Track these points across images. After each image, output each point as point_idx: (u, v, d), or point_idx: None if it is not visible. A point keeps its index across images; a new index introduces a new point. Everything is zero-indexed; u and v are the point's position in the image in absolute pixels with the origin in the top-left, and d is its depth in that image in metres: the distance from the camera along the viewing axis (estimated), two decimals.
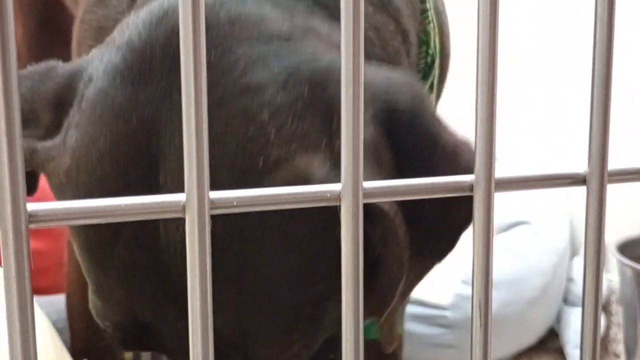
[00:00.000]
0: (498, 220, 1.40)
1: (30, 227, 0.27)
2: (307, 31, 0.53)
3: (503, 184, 0.32)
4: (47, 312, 0.96)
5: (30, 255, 0.26)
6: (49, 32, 1.08)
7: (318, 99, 0.49)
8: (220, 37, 0.51)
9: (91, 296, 0.55)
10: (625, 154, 0.86)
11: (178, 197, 0.28)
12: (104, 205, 0.28)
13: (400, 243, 0.49)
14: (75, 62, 0.57)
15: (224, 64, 0.50)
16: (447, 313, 1.29)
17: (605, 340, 1.39)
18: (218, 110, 0.48)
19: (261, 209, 0.30)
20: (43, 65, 0.57)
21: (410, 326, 1.27)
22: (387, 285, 0.51)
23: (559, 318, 1.42)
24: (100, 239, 0.52)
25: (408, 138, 0.50)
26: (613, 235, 1.28)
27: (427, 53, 0.70)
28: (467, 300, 1.26)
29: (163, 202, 0.28)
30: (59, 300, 1.05)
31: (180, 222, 0.28)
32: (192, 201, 0.28)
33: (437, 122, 0.52)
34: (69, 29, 0.83)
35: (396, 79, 0.52)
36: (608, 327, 1.41)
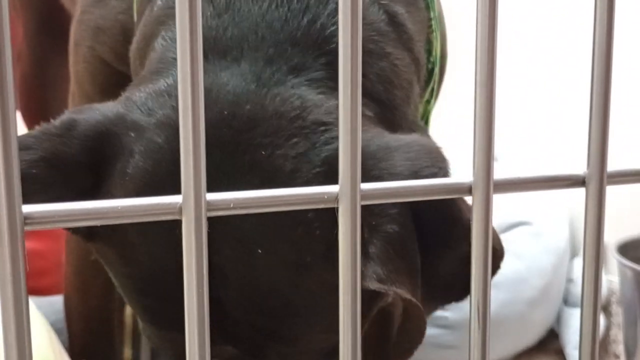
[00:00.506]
0: (497, 220, 1.40)
1: (25, 230, 0.27)
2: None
3: (502, 185, 0.32)
4: (47, 313, 0.96)
5: (25, 257, 0.26)
6: (49, 33, 1.08)
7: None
8: (269, 134, 0.51)
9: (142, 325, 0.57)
10: (624, 156, 0.86)
11: (175, 199, 0.28)
12: (100, 207, 0.27)
13: (423, 319, 0.51)
14: (99, 117, 0.54)
15: (274, 166, 0.51)
16: (447, 314, 1.28)
17: (605, 341, 1.39)
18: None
19: (258, 211, 0.29)
20: (58, 123, 0.53)
21: None
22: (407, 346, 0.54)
23: (558, 319, 1.41)
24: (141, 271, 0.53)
25: (432, 217, 0.51)
26: (613, 236, 1.28)
27: (428, 60, 0.71)
28: (467, 301, 1.26)
29: (160, 204, 0.28)
30: (59, 300, 1.05)
31: None
32: (189, 203, 0.28)
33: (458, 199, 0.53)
34: (68, 29, 0.83)
35: (420, 161, 0.52)
36: (608, 328, 1.41)
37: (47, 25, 1.08)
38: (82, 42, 0.77)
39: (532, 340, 1.38)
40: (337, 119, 0.51)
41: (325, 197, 0.30)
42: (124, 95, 0.57)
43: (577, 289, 1.40)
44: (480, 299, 0.33)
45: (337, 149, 0.50)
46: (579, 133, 1.00)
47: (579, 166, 0.34)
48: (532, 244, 1.37)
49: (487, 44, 0.30)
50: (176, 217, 0.28)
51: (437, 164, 0.51)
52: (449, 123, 1.04)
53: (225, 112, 0.51)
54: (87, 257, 0.74)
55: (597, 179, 0.33)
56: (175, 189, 0.49)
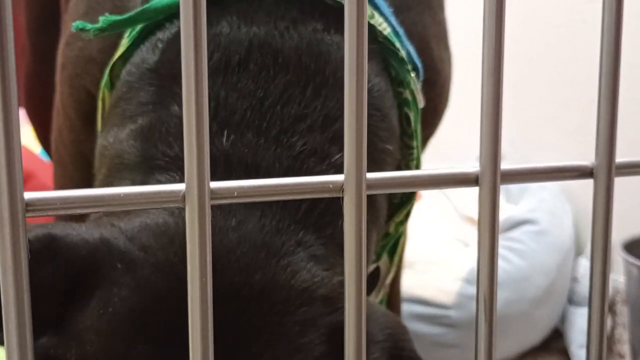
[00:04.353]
0: (502, 219, 1.39)
1: (27, 217, 0.26)
2: (342, 285, 0.56)
3: (509, 175, 0.32)
4: None
5: (27, 244, 0.26)
6: (52, 30, 1.08)
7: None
8: (279, 302, 0.52)
9: None
10: (633, 150, 0.85)
11: (178, 187, 0.28)
12: (102, 194, 0.27)
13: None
14: (85, 239, 0.50)
15: (284, 324, 0.52)
16: (450, 312, 1.28)
17: (610, 341, 1.38)
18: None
19: (262, 199, 0.29)
20: (33, 238, 0.48)
21: (413, 326, 1.27)
22: None
23: (563, 318, 1.41)
24: None
25: None
26: (618, 235, 1.28)
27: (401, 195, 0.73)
28: (471, 300, 1.25)
29: (163, 192, 0.28)
30: None
31: None
32: (192, 191, 0.27)
33: None
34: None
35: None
36: (613, 328, 1.40)
37: (50, 21, 1.08)
38: (69, 67, 0.75)
39: (536, 340, 1.37)
40: (340, 293, 0.54)
41: (331, 186, 0.30)
42: (104, 219, 0.54)
43: (581, 288, 1.40)
44: (486, 291, 0.32)
45: (340, 319, 0.52)
46: (588, 125, 0.99)
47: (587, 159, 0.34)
48: (537, 243, 1.37)
49: (495, 31, 0.30)
50: (179, 205, 0.27)
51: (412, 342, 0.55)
52: (456, 113, 1.04)
53: (236, 279, 0.52)
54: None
55: (606, 170, 0.33)
56: (169, 342, 0.48)
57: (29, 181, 1.31)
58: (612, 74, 0.33)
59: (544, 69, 1.60)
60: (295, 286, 0.53)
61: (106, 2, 0.71)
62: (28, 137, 1.19)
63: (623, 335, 1.38)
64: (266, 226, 0.55)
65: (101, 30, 0.61)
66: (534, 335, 1.37)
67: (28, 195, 0.26)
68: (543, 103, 1.61)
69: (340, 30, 0.61)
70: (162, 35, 0.63)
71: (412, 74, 0.67)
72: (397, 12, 0.68)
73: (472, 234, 1.43)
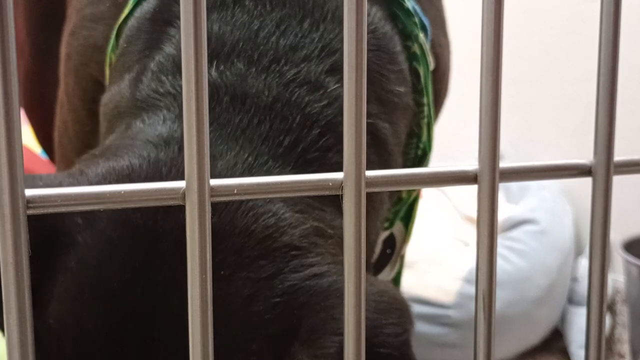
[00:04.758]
0: (502, 219, 1.40)
1: (28, 213, 0.26)
2: (317, 233, 0.51)
3: (507, 174, 0.32)
4: None
5: (28, 241, 0.26)
6: (52, 28, 1.08)
7: (306, 328, 0.47)
8: (233, 252, 0.48)
9: None
10: (632, 150, 0.85)
11: (178, 184, 0.28)
12: (103, 191, 0.27)
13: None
14: (58, 185, 0.50)
15: (231, 288, 0.47)
16: (450, 312, 1.28)
17: (610, 341, 1.39)
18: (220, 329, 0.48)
19: (262, 197, 0.29)
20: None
21: None
22: None
23: (563, 318, 1.41)
24: None
25: None
26: (618, 235, 1.28)
27: (417, 147, 0.69)
28: (471, 300, 1.25)
29: (163, 189, 0.28)
30: None
31: None
32: (192, 188, 0.27)
33: None
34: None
35: (388, 315, 0.49)
36: (613, 327, 1.40)
37: (50, 20, 1.08)
38: (74, 57, 0.75)
39: (536, 340, 1.37)
40: (311, 243, 0.49)
41: (330, 184, 0.30)
42: (78, 168, 0.53)
43: (581, 288, 1.40)
44: (485, 289, 0.33)
45: (305, 279, 0.47)
46: (586, 124, 1.00)
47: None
48: (537, 243, 1.37)
49: (493, 27, 0.30)
50: (179, 202, 0.28)
51: (403, 325, 0.49)
52: (454, 111, 1.04)
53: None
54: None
55: (604, 168, 0.33)
56: (124, 296, 0.46)
57: None
58: (611, 73, 0.33)
59: (543, 68, 1.60)
60: (256, 233, 0.48)
61: None
62: (28, 137, 1.20)
63: (623, 335, 1.38)
64: (239, 163, 0.51)
65: None
66: (534, 335, 1.37)
67: (29, 192, 0.27)
68: (542, 102, 1.61)
69: None
70: None
71: (421, 33, 0.65)
72: None
73: (472, 234, 1.44)
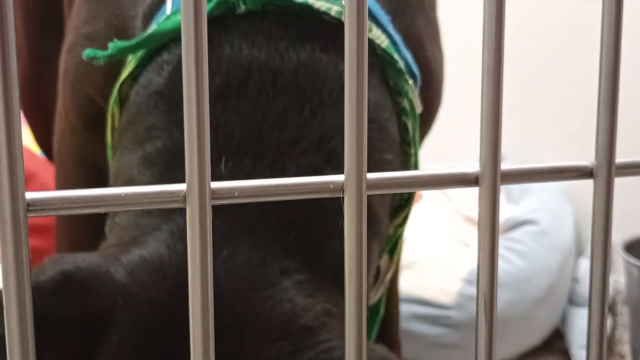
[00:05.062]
0: (502, 220, 1.39)
1: (28, 217, 0.26)
2: (325, 313, 0.57)
3: (509, 176, 0.32)
4: None
5: (28, 244, 0.26)
6: (50, 29, 1.07)
7: None
8: (258, 336, 0.54)
9: None
10: (633, 152, 0.86)
11: (179, 187, 0.28)
12: (104, 194, 0.27)
13: None
14: (99, 267, 0.55)
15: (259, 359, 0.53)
16: (451, 313, 1.28)
17: (611, 341, 1.38)
18: None
19: (263, 199, 0.29)
20: (52, 272, 0.53)
21: (413, 326, 1.27)
22: None
23: (564, 319, 1.41)
24: None
25: None
26: (618, 236, 1.28)
27: (401, 195, 0.74)
28: (472, 300, 1.25)
29: (164, 192, 0.28)
30: None
31: None
32: (193, 191, 0.27)
33: None
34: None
35: None
36: (614, 328, 1.40)
37: (47, 22, 1.07)
38: (71, 73, 0.76)
39: (537, 340, 1.37)
40: (322, 323, 0.55)
41: (331, 186, 0.30)
42: (105, 247, 0.58)
43: (582, 288, 1.40)
44: (486, 291, 0.32)
45: (320, 352, 0.53)
46: (590, 138, 1.00)
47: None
48: (538, 244, 1.37)
49: (495, 29, 0.30)
50: (180, 205, 0.28)
51: None
52: (455, 112, 1.04)
53: (219, 312, 0.53)
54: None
55: (606, 170, 0.33)
56: None
57: (31, 181, 1.31)
58: (612, 75, 0.33)
59: (545, 70, 1.60)
60: (275, 318, 0.54)
61: (106, 10, 0.72)
62: (29, 138, 1.19)
63: (624, 336, 1.37)
64: (253, 257, 0.56)
65: (110, 56, 0.63)
66: (535, 335, 1.37)
67: (29, 195, 0.26)
68: (543, 104, 1.61)
69: (338, 45, 0.62)
70: (167, 56, 0.64)
71: (410, 82, 0.68)
72: (394, 18, 0.69)
73: (472, 235, 1.43)
